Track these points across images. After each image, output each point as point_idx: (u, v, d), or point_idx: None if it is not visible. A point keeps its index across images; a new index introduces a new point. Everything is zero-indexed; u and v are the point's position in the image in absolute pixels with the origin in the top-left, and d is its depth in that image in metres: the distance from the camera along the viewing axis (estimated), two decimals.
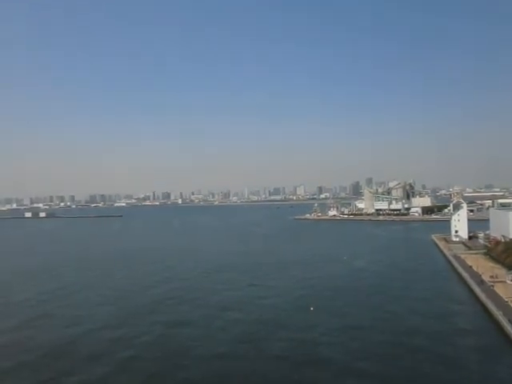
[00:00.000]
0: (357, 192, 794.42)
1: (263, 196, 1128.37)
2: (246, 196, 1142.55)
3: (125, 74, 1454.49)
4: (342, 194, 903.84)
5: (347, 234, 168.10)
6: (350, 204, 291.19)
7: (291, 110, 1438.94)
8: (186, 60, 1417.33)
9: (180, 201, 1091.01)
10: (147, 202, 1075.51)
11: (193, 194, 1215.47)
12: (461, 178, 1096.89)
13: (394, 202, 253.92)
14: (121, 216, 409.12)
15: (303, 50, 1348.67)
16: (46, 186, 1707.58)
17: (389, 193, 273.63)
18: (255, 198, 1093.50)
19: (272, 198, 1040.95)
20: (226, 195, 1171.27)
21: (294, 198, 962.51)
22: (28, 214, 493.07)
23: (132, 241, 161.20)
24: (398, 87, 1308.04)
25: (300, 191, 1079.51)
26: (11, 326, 53.45)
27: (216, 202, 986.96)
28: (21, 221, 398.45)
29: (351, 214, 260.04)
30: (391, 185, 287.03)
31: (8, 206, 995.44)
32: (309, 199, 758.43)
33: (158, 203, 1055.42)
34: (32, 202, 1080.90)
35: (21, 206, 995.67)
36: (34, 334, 49.43)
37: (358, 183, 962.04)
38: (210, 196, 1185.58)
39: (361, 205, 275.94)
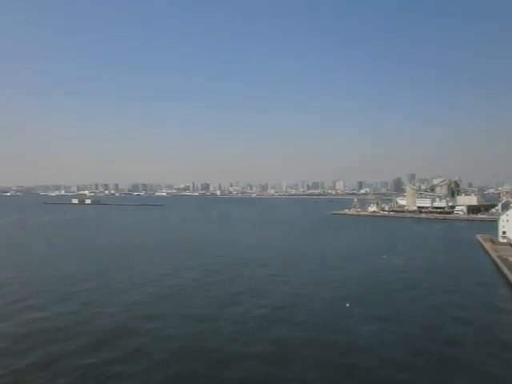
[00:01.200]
0: (398, 188, 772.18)
1: (301, 190, 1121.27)
2: (284, 189, 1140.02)
3: (177, 62, 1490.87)
4: (383, 190, 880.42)
5: (387, 231, 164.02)
6: (390, 200, 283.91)
7: (329, 103, 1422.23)
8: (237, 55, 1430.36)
9: (218, 192, 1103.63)
10: (186, 193, 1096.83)
11: (231, 185, 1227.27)
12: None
13: (437, 199, 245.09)
14: (161, 205, 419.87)
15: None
16: (92, 173, 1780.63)
17: (432, 190, 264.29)
18: (293, 191, 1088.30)
19: (310, 191, 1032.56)
20: (264, 188, 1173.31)
21: (333, 192, 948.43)
22: (75, 201, 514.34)
23: (172, 230, 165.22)
24: (447, 83, 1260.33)
25: (339, 186, 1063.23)
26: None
27: (254, 195, 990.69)
28: (68, 207, 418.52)
29: (392, 211, 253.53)
30: (435, 182, 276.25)
31: (57, 192, 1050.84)
32: (348, 194, 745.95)
33: (197, 194, 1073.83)
34: (79, 189, 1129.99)
35: (68, 192, 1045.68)
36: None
37: (399, 179, 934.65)
38: (248, 188, 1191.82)
39: (402, 201, 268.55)
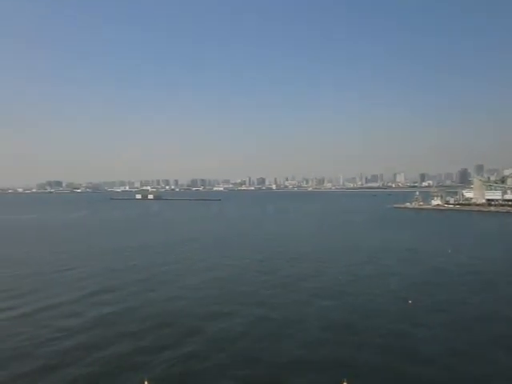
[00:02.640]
0: (464, 180, 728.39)
1: (359, 183, 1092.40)
2: (341, 183, 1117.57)
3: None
4: (448, 182, 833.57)
5: (453, 225, 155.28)
6: (456, 193, 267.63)
7: (387, 92, 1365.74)
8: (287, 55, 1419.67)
9: (274, 186, 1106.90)
10: (243, 187, 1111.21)
11: (287, 179, 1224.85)
12: None
13: (509, 191, 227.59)
14: (219, 200, 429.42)
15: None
16: (153, 170, 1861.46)
17: (503, 181, 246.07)
18: (351, 185, 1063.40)
19: (369, 185, 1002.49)
20: (320, 182, 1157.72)
21: (393, 185, 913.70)
22: (138, 196, 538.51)
23: (231, 224, 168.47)
24: None
25: (400, 178, 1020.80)
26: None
27: (310, 189, 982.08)
28: (132, 202, 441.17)
29: (457, 204, 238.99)
30: (506, 173, 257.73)
31: (122, 188, 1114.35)
32: (409, 187, 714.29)
33: (253, 188, 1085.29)
34: (142, 185, 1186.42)
35: (132, 188, 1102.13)
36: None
37: (465, 170, 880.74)
38: (304, 182, 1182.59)
39: (469, 194, 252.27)
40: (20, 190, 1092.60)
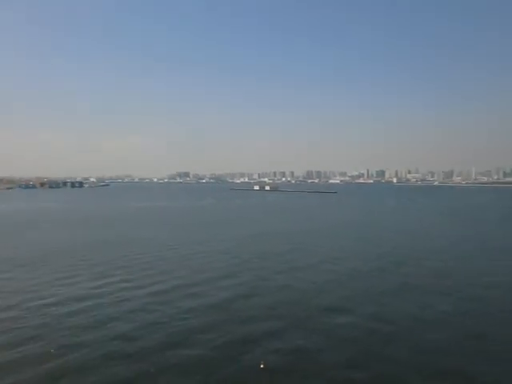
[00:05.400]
0: None
1: (495, 177, 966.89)
2: (473, 176, 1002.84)
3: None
4: None
5: None
6: None
7: None
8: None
9: (395, 180, 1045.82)
10: (360, 180, 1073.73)
11: (409, 172, 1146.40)
12: None
13: None
14: (335, 192, 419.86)
15: None
16: (270, 161, 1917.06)
17: None
18: (484, 178, 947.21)
19: (507, 179, 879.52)
20: (448, 175, 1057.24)
21: None
22: (256, 187, 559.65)
23: (350, 217, 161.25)
24: None
25: None
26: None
27: (436, 183, 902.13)
28: (250, 192, 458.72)
29: None
30: None
31: (242, 180, 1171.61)
32: None
33: (371, 181, 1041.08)
34: (259, 177, 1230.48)
35: (251, 179, 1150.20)
36: None
37: None
38: (429, 175, 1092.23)
39: None
40: (155, 179, 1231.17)
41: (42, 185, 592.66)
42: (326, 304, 47.15)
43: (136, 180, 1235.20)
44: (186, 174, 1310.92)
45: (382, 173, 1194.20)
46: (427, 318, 42.58)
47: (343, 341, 36.85)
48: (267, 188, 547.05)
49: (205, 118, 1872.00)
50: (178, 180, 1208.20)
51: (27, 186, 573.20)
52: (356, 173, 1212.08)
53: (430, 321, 41.65)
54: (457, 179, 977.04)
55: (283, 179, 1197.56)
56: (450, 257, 76.24)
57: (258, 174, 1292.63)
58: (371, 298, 49.22)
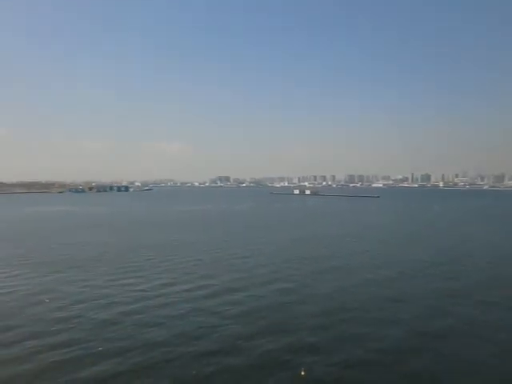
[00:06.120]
0: None
1: None
2: None
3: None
4: None
5: None
6: None
7: None
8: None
9: (441, 184, 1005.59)
10: (404, 184, 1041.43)
11: (456, 176, 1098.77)
12: None
13: None
14: (378, 197, 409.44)
15: None
16: (311, 165, 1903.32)
17: None
18: None
19: None
20: (499, 178, 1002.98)
21: None
22: (296, 191, 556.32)
23: (396, 224, 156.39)
24: None
25: None
26: None
27: (485, 187, 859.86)
28: (290, 196, 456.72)
29: None
30: None
31: (281, 184, 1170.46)
32: None
33: (416, 185, 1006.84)
34: (299, 181, 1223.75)
35: (291, 183, 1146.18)
36: None
37: None
38: (479, 179, 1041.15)
39: None
40: (196, 183, 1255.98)
41: (91, 189, 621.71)
42: (373, 315, 45.57)
43: (178, 184, 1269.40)
44: (227, 179, 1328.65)
45: (427, 177, 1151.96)
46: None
47: (398, 353, 35.32)
48: (307, 192, 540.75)
49: (246, 121, 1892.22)
50: (219, 184, 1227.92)
51: (77, 190, 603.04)
52: (400, 177, 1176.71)
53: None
54: (509, 183, 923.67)
55: (324, 183, 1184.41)
56: None
57: (298, 178, 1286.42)
58: (424, 312, 47.08)
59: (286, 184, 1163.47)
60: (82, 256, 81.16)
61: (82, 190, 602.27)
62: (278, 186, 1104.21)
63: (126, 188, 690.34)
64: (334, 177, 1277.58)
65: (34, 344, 36.92)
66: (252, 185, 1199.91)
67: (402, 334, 39.47)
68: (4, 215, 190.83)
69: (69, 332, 39.78)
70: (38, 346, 36.60)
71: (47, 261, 76.28)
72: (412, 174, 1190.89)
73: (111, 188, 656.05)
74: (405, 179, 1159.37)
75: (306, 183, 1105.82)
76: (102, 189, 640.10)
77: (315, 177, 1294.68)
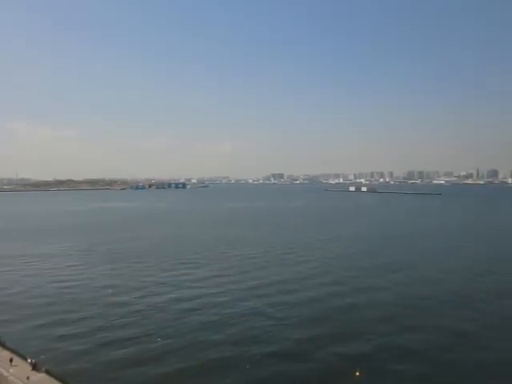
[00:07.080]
0: None
1: None
2: None
3: None
4: None
5: None
6: None
7: None
8: None
9: (510, 180, 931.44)
10: (469, 181, 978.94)
11: None
12: None
13: None
14: (439, 194, 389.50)
15: None
16: (367, 162, 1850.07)
17: None
18: None
19: None
20: None
21: None
22: (352, 188, 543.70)
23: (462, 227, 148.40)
24: None
25: None
26: None
27: None
28: (345, 193, 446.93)
29: None
30: None
31: (336, 181, 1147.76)
32: None
33: (482, 182, 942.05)
34: (355, 178, 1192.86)
35: (346, 180, 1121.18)
36: None
37: None
38: None
39: None
40: (250, 181, 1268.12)
41: (150, 186, 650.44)
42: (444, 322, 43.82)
43: (232, 181, 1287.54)
44: (281, 176, 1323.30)
45: (494, 173, 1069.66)
46: None
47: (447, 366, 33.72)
48: (364, 189, 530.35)
49: (297, 120, 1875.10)
50: (273, 181, 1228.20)
51: (137, 187, 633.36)
52: (464, 173, 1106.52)
53: None
54: None
55: (381, 180, 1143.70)
56: None
57: (354, 175, 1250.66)
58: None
59: (341, 181, 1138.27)
60: (143, 249, 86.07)
61: (143, 187, 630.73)
62: (332, 182, 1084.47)
63: (184, 185, 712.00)
64: (391, 173, 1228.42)
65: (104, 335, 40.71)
66: (306, 182, 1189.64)
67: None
68: (75, 209, 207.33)
69: (132, 326, 43.01)
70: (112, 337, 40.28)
71: (112, 255, 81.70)
72: (477, 170, 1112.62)
73: (169, 185, 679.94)
74: (469, 175, 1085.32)
75: (363, 180, 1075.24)
76: (161, 185, 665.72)
77: (372, 173, 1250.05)
